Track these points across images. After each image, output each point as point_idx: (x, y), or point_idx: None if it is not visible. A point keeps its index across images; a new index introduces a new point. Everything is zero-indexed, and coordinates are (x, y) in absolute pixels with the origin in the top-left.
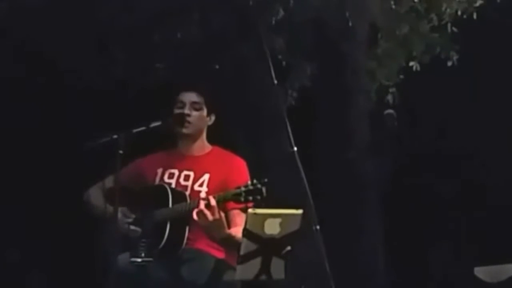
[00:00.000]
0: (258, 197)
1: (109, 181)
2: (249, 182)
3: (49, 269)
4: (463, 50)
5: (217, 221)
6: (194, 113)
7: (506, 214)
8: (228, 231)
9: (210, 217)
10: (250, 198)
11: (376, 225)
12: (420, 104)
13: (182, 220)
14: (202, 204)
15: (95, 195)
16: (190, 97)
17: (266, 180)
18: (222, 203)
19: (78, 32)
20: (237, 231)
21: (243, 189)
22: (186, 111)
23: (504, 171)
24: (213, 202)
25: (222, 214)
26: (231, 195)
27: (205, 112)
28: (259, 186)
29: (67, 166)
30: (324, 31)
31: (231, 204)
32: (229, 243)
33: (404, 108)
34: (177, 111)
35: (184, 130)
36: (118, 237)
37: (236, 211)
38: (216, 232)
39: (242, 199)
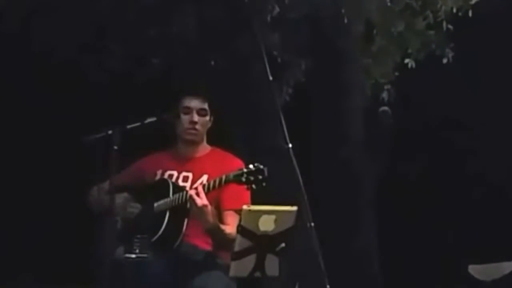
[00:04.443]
0: (260, 177)
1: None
2: (251, 165)
3: (46, 265)
4: (458, 47)
5: (206, 208)
6: (201, 119)
7: (502, 211)
8: (216, 221)
9: (199, 202)
10: (252, 178)
11: (370, 222)
12: (415, 101)
13: (181, 213)
14: (192, 191)
15: (95, 194)
16: (196, 104)
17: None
18: (221, 196)
19: (75, 26)
20: (225, 227)
21: (244, 170)
22: (195, 118)
23: (500, 166)
24: (200, 188)
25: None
26: (233, 176)
27: (209, 116)
28: (261, 167)
29: (62, 161)
30: (319, 27)
31: (227, 202)
32: (217, 235)
33: (399, 105)
34: (184, 117)
35: (189, 137)
36: (116, 231)
37: (230, 212)
38: (204, 219)
39: (244, 179)
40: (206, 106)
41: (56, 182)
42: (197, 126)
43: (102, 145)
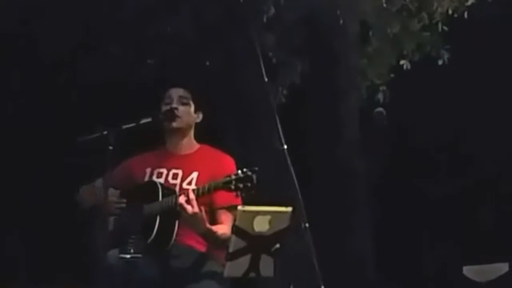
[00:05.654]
0: (249, 184)
1: (99, 182)
2: (239, 171)
3: (40, 265)
4: (453, 49)
5: (197, 215)
6: (182, 107)
7: (499, 212)
8: (208, 226)
9: (189, 210)
10: (241, 185)
11: (365, 223)
12: (410, 103)
13: (172, 215)
14: (182, 198)
15: (86, 193)
16: (177, 92)
17: (256, 168)
18: (212, 194)
19: (70, 27)
20: (219, 228)
21: (233, 177)
22: (174, 105)
23: (495, 168)
24: (191, 195)
25: (202, 209)
26: (222, 184)
27: (192, 108)
28: (249, 173)
29: (58, 161)
30: (315, 29)
31: (220, 200)
32: (210, 238)
33: (394, 107)
34: (165, 107)
35: (174, 124)
36: (108, 233)
37: (223, 210)
38: (195, 226)
39: (233, 186)
40: (186, 95)
41: (52, 182)
42: (178, 112)
43: (97, 146)
